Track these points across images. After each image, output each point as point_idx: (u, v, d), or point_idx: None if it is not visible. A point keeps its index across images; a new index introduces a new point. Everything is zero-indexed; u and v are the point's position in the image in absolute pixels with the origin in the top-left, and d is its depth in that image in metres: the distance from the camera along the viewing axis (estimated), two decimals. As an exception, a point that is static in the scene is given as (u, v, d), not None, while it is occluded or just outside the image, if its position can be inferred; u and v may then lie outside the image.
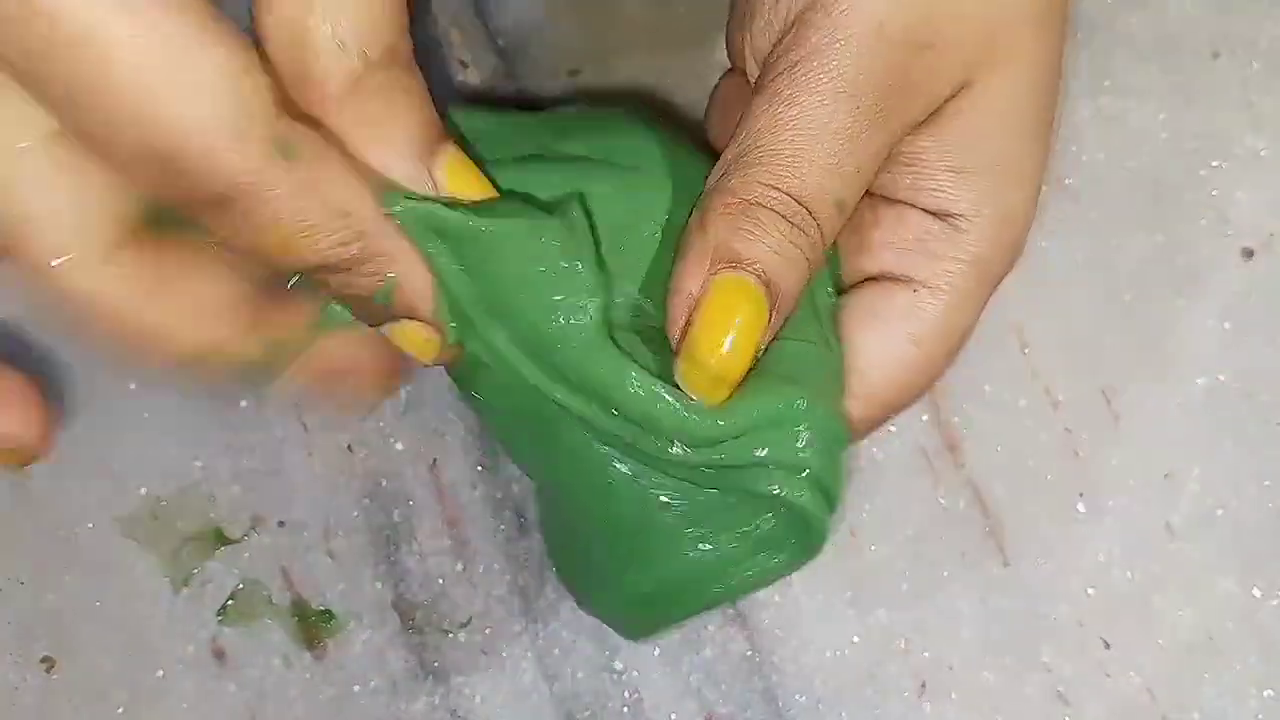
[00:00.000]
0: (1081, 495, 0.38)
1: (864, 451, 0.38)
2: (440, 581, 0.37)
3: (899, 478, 0.38)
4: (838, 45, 0.28)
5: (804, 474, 0.29)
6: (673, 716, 0.37)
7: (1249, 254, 0.38)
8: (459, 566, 0.37)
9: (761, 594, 0.37)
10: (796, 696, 0.37)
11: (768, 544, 0.30)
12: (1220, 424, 0.38)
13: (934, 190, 0.30)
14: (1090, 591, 0.37)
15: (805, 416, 0.28)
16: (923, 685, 0.37)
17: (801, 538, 0.30)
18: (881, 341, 0.31)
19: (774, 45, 0.30)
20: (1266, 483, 0.38)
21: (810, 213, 0.28)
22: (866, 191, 0.30)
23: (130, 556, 0.37)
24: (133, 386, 0.38)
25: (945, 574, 0.37)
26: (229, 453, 0.38)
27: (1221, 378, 0.38)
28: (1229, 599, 0.37)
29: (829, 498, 0.29)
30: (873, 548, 0.38)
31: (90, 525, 0.37)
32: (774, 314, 0.28)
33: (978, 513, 0.38)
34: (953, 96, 0.30)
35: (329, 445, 0.38)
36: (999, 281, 0.32)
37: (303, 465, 0.38)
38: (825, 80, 0.28)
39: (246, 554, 0.37)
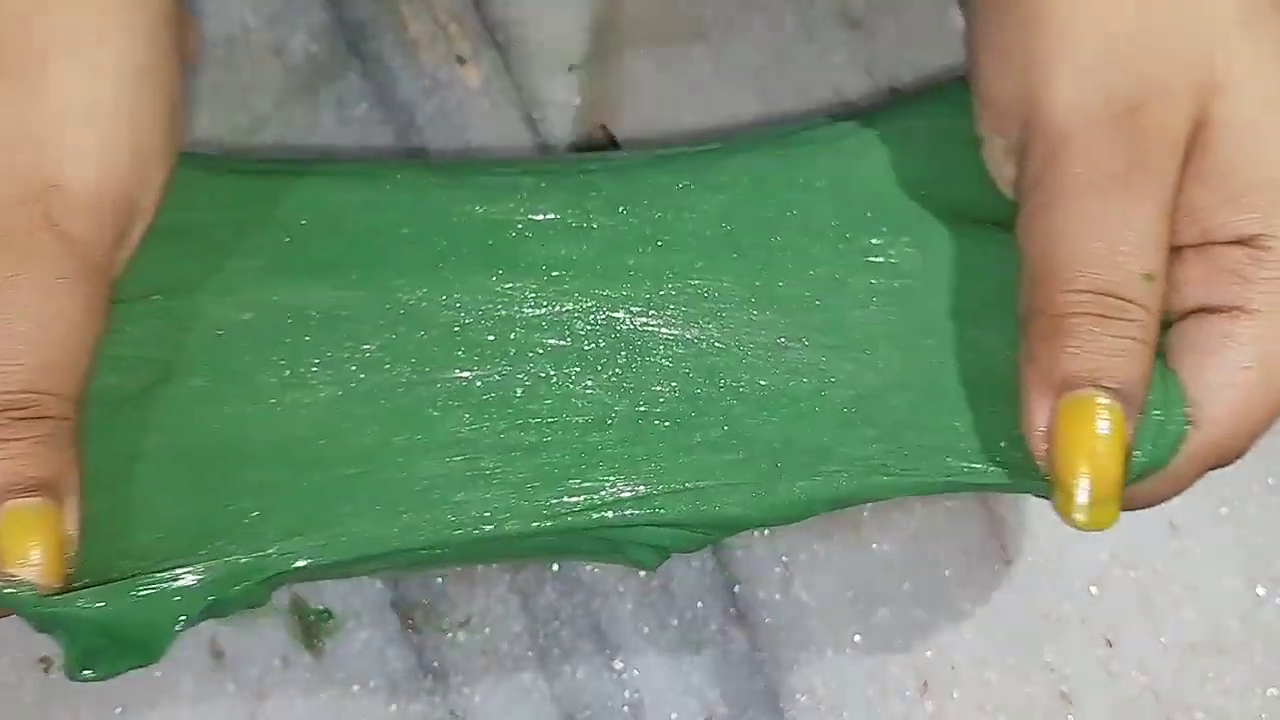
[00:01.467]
0: (1084, 493, 0.37)
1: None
2: (439, 581, 0.37)
3: (901, 475, 0.38)
4: (1065, 146, 0.29)
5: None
6: (673, 715, 0.37)
7: (1254, 250, 0.38)
8: (458, 566, 0.37)
9: (762, 592, 0.37)
10: (798, 696, 0.37)
11: None
12: (1224, 421, 0.37)
13: (1222, 224, 0.30)
14: (1093, 590, 0.37)
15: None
16: (925, 684, 0.37)
17: None
18: (1213, 370, 0.30)
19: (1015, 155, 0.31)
20: (1270, 480, 0.38)
21: (1121, 298, 0.28)
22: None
23: (128, 555, 0.37)
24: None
25: (948, 573, 0.37)
26: (227, 451, 0.38)
27: (1226, 375, 0.37)
28: (1232, 597, 0.37)
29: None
30: (875, 546, 0.37)
31: (88, 524, 0.37)
32: (1128, 410, 0.28)
33: (980, 511, 0.38)
34: (1198, 130, 0.29)
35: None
36: None
37: (301, 463, 0.38)
38: (1069, 180, 0.29)
39: (245, 553, 0.37)
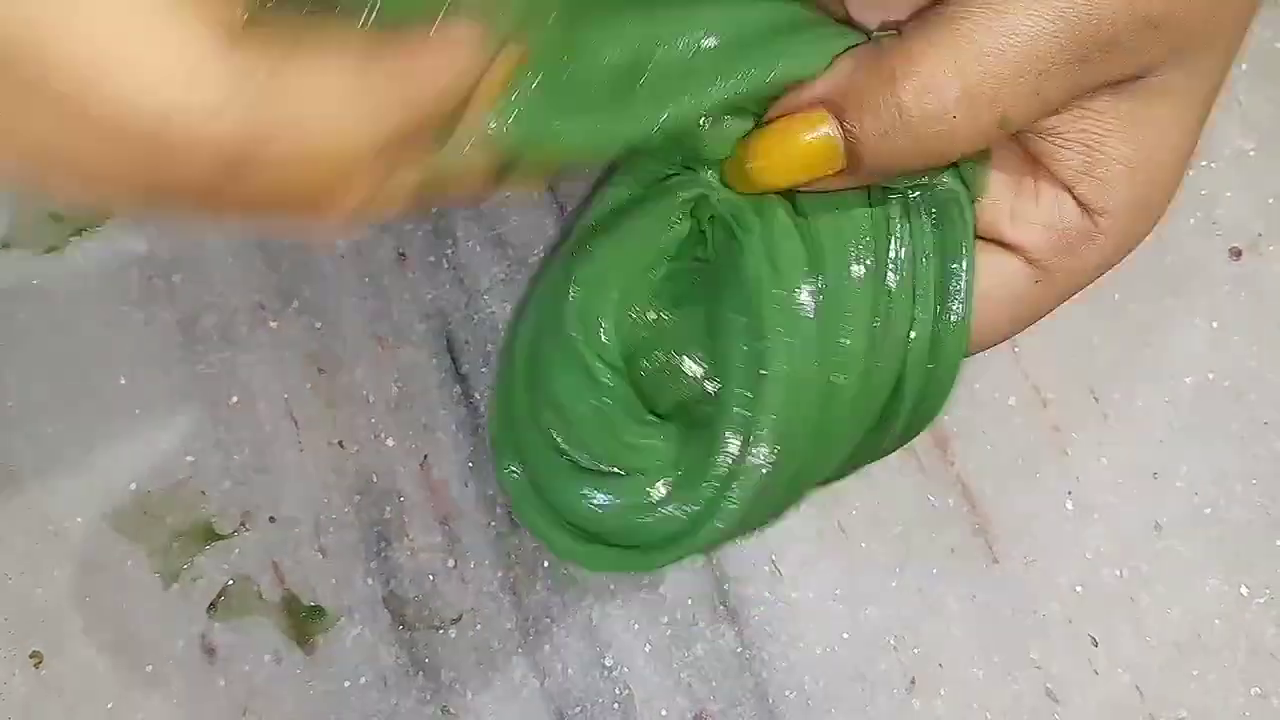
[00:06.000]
0: (1070, 494, 0.38)
1: (854, 449, 0.38)
2: (431, 578, 0.37)
3: (889, 475, 0.38)
4: None
5: None
6: (663, 712, 0.37)
7: (1236, 254, 0.38)
8: (450, 563, 0.37)
9: (752, 590, 0.37)
10: (786, 693, 0.37)
11: None
12: (1208, 423, 0.38)
13: (1094, 179, 0.30)
14: (1079, 589, 0.38)
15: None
16: (912, 682, 0.37)
17: None
18: (985, 308, 0.31)
19: None
20: (1254, 481, 0.38)
21: (969, 110, 0.28)
22: (1043, 163, 0.30)
23: (120, 552, 0.37)
24: (122, 381, 0.38)
25: (935, 571, 0.38)
26: (220, 448, 0.38)
27: (1209, 376, 0.38)
28: (1216, 597, 0.38)
29: None
30: (863, 545, 0.38)
31: (80, 520, 0.37)
32: (841, 176, 0.29)
33: (967, 510, 0.38)
34: (1145, 76, 0.29)
35: (320, 441, 0.38)
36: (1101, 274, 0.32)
37: (294, 461, 0.38)
38: (1047, 4, 0.28)
39: (237, 550, 0.37)
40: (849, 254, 0.30)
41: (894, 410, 0.31)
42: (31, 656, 0.36)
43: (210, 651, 0.37)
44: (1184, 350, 0.38)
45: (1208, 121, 0.38)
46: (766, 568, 0.37)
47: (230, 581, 0.37)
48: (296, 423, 0.38)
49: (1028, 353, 0.38)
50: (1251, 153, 0.38)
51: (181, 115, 0.22)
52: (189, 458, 0.38)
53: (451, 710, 0.37)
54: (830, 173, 0.29)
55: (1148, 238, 0.31)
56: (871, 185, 0.30)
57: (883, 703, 0.37)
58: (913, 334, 0.30)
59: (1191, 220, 0.38)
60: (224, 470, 0.38)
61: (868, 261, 0.30)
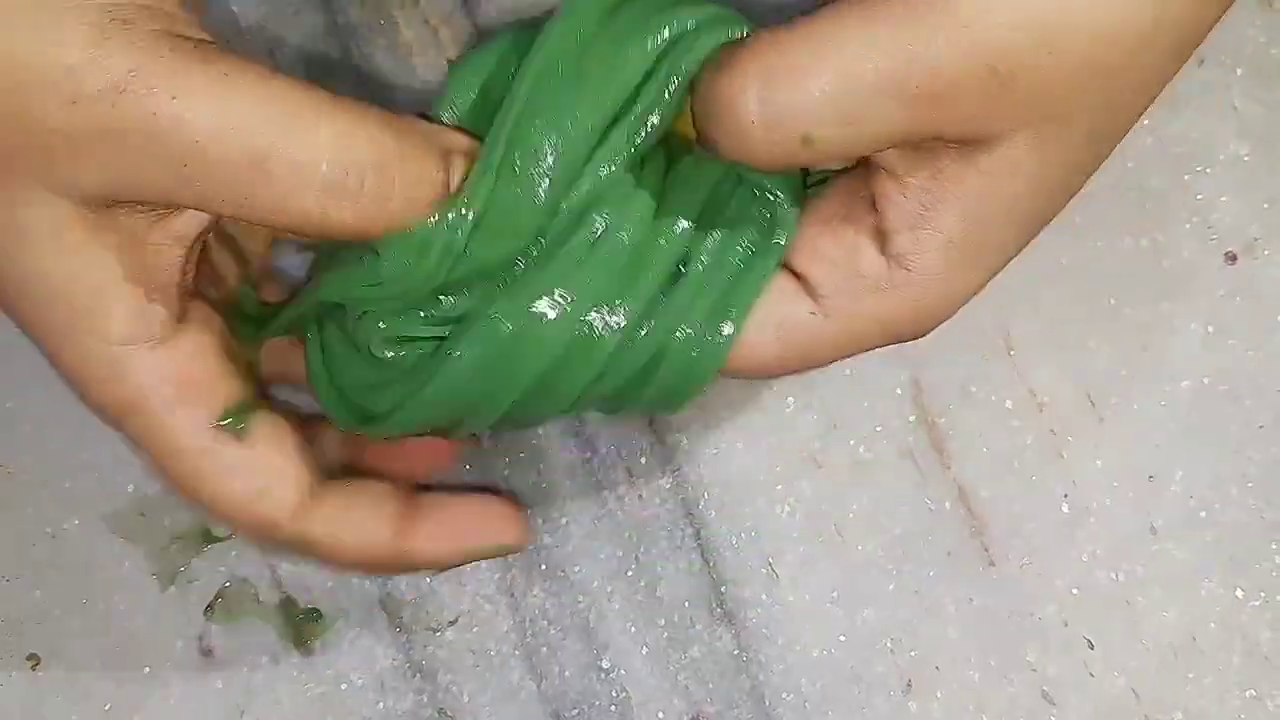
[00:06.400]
0: (1066, 496, 0.38)
1: (850, 451, 0.38)
2: (428, 580, 0.37)
3: (885, 478, 0.38)
4: (929, 16, 0.26)
5: None
6: (660, 714, 0.37)
7: (1232, 258, 0.38)
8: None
9: (748, 592, 0.37)
10: (783, 695, 0.37)
11: None
12: (1204, 426, 0.38)
13: (913, 235, 0.29)
14: (1075, 592, 0.38)
15: None
16: (908, 684, 0.37)
17: None
18: (759, 334, 0.31)
19: None
20: (1250, 484, 0.38)
21: (766, 119, 0.27)
22: (877, 199, 0.29)
23: (117, 554, 0.37)
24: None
25: (931, 574, 0.38)
26: (217, 450, 0.38)
27: (1205, 380, 0.38)
28: (1212, 600, 0.38)
29: None
30: (859, 547, 0.38)
31: (77, 522, 0.37)
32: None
33: (963, 513, 0.38)
34: (989, 142, 0.27)
35: (317, 443, 0.38)
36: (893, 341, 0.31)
37: (291, 463, 0.38)
38: (891, 26, 0.26)
39: (234, 552, 0.37)
40: (683, 209, 0.30)
41: (634, 394, 0.31)
42: (29, 659, 0.36)
43: (207, 653, 0.37)
44: (1180, 354, 0.38)
45: (1196, 126, 0.38)
46: (763, 570, 0.38)
47: (227, 584, 0.37)
48: (294, 425, 0.38)
49: (1024, 356, 0.38)
50: (1246, 157, 0.38)
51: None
52: (186, 459, 0.38)
53: (448, 712, 0.37)
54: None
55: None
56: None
57: (879, 705, 0.37)
58: (682, 332, 0.30)
59: (1188, 225, 0.38)
60: (221, 472, 0.38)
61: (684, 225, 0.31)
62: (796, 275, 0.31)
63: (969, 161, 0.28)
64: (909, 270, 0.29)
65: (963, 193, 0.28)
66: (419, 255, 0.29)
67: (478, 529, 0.33)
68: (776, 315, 0.30)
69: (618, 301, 0.30)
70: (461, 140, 0.31)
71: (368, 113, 0.29)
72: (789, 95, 0.27)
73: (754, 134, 0.27)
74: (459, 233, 0.29)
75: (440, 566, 0.35)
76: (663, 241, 0.30)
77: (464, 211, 0.29)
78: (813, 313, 0.30)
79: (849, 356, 0.31)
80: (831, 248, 0.30)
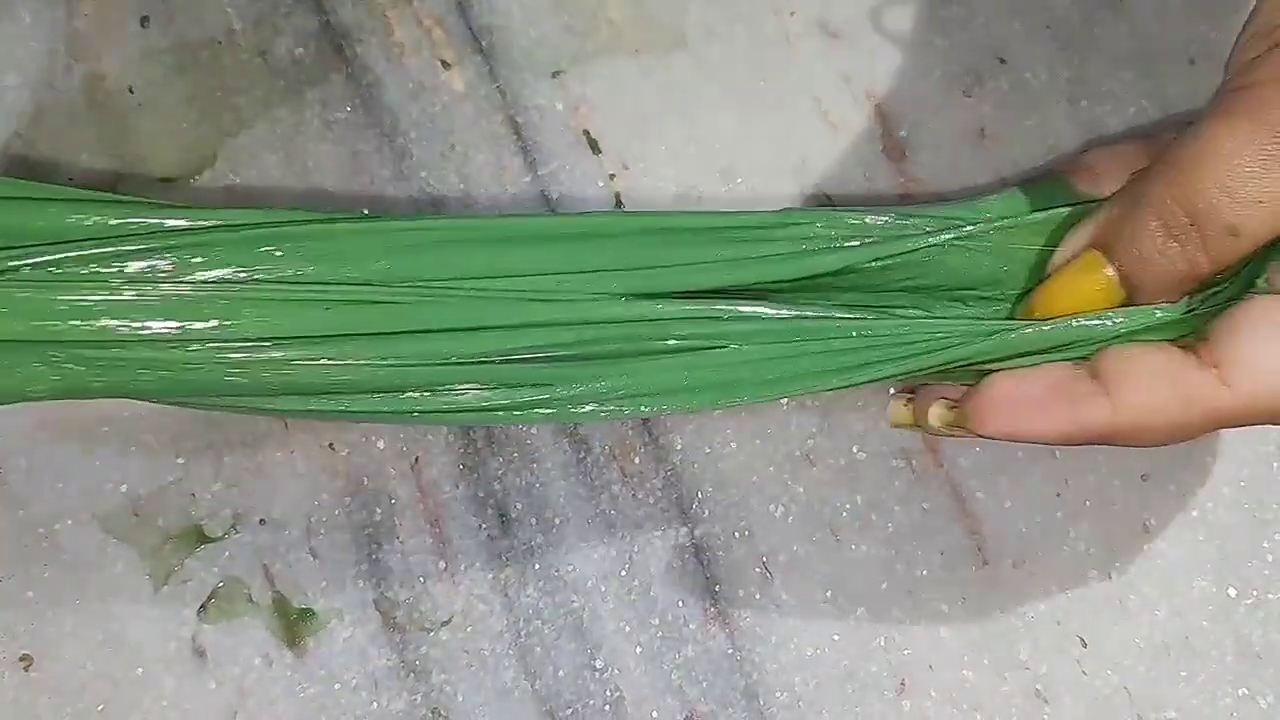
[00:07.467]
0: (1059, 496, 0.38)
1: (845, 451, 0.38)
2: (422, 580, 0.37)
3: (879, 477, 0.38)
4: None
5: None
6: (654, 714, 0.37)
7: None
8: (440, 565, 0.37)
9: (742, 592, 0.37)
10: (777, 694, 0.37)
11: None
12: (1196, 425, 0.38)
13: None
14: (1068, 591, 0.38)
15: None
16: (902, 683, 0.37)
17: None
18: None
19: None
20: (1242, 484, 0.38)
21: (1196, 227, 0.29)
22: None
23: (110, 554, 0.37)
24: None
25: (925, 573, 0.38)
26: (210, 450, 0.38)
27: (1197, 379, 0.38)
28: (1204, 599, 0.38)
29: None
30: (853, 547, 0.38)
31: (70, 522, 0.37)
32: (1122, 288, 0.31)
33: (957, 512, 0.38)
34: None
35: (310, 443, 0.38)
36: None
37: (284, 463, 0.38)
38: (1257, 110, 0.27)
39: (227, 552, 0.37)
40: None
41: None
42: (21, 659, 0.36)
43: (201, 654, 0.37)
44: (1172, 353, 0.38)
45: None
46: (757, 569, 0.38)
47: (221, 583, 0.37)
48: (287, 424, 0.38)
49: (1017, 355, 0.38)
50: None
51: None
52: (179, 460, 0.38)
53: (442, 712, 0.37)
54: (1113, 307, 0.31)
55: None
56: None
57: (873, 704, 0.37)
58: None
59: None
60: (214, 472, 0.38)
61: None
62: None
63: None
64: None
65: None
66: None
67: None
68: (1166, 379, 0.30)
69: None
70: None
71: None
72: (1202, 198, 0.29)
73: (1189, 241, 0.29)
74: None
75: None
76: None
77: None
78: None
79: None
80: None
